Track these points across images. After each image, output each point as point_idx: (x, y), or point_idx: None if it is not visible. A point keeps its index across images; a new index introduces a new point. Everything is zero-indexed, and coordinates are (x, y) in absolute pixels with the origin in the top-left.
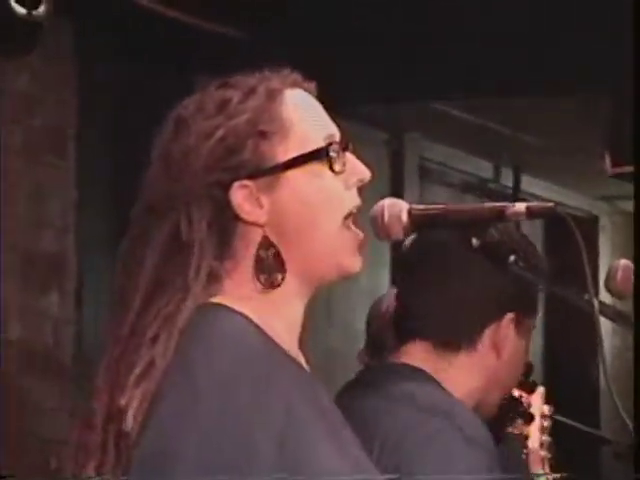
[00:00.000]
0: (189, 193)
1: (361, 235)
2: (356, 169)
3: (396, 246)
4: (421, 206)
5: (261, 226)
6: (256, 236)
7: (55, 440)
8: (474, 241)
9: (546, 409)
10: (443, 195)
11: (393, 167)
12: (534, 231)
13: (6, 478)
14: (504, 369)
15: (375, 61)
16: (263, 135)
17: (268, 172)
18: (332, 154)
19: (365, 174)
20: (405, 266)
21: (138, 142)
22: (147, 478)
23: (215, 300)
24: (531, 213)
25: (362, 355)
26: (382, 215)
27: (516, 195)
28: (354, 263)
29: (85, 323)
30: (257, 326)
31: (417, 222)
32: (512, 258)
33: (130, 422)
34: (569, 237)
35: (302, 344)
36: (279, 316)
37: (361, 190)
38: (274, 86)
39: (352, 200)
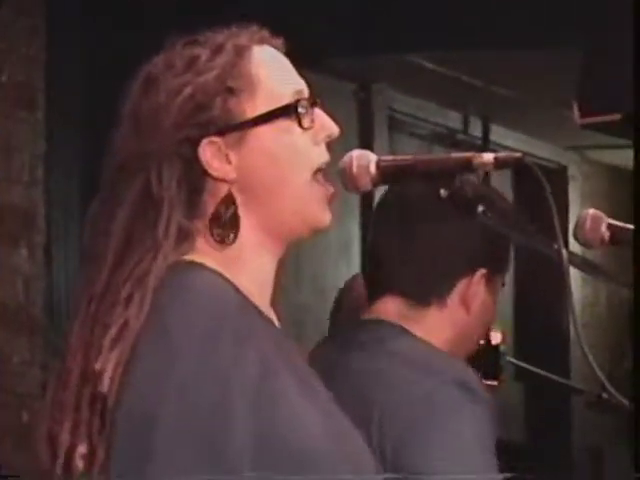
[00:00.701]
0: (159, 151)
1: (331, 189)
2: (325, 125)
3: (365, 199)
4: (389, 157)
5: (230, 183)
6: (217, 196)
7: (26, 394)
8: (442, 192)
9: None
10: (412, 146)
11: (362, 118)
12: (504, 183)
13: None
14: (473, 324)
15: (344, 12)
16: (231, 91)
17: (236, 128)
18: (300, 110)
19: (333, 130)
20: (376, 220)
21: (107, 96)
22: (129, 441)
23: (187, 258)
24: (499, 163)
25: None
26: (350, 166)
27: (485, 146)
28: (324, 217)
29: (55, 277)
30: (229, 282)
31: (385, 173)
32: (480, 208)
33: (106, 385)
34: (538, 188)
35: (274, 301)
36: (250, 273)
37: (329, 146)
38: (242, 43)
39: (321, 156)
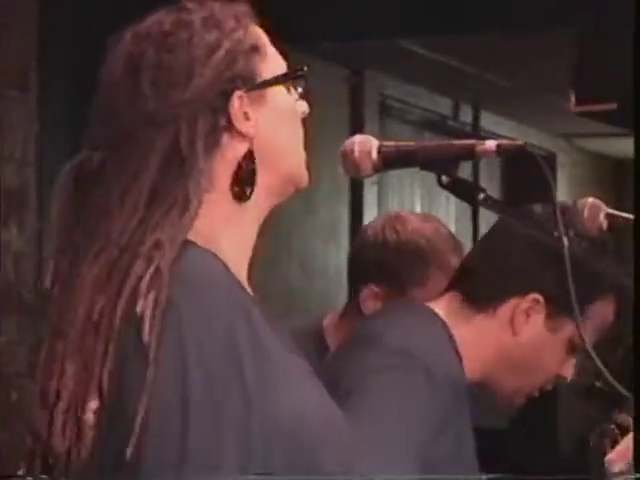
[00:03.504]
0: (194, 102)
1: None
2: (302, 102)
3: (355, 181)
4: (391, 143)
5: (248, 139)
6: (235, 153)
7: (14, 374)
8: (444, 178)
9: None
10: (403, 132)
11: (353, 103)
12: (492, 169)
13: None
14: (520, 353)
15: None
16: (255, 50)
17: (259, 86)
18: (299, 80)
19: (306, 107)
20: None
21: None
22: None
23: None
24: (501, 151)
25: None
26: (352, 151)
27: (475, 132)
28: (306, 178)
29: (45, 257)
30: (221, 262)
31: (387, 159)
32: (482, 195)
33: (147, 332)
34: (528, 175)
35: (250, 270)
36: (235, 238)
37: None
38: (246, 11)
39: (302, 131)
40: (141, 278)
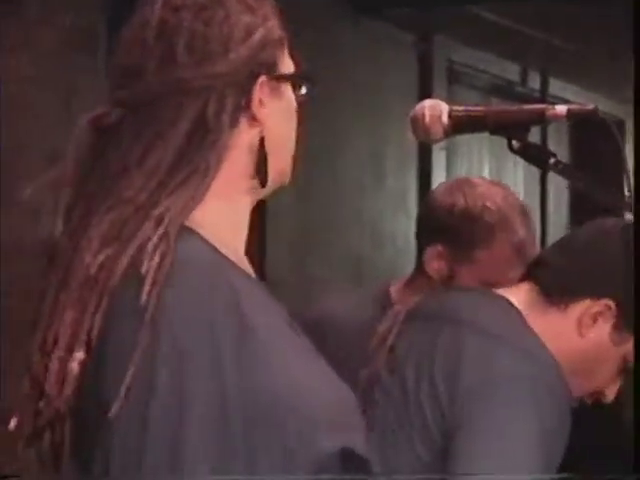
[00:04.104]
0: (228, 75)
1: None
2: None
3: (423, 150)
4: (461, 107)
5: (260, 125)
6: (249, 137)
7: None
8: (514, 143)
9: None
10: (471, 98)
11: (421, 69)
12: (560, 135)
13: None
14: (581, 356)
15: None
16: (281, 42)
17: (278, 77)
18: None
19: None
20: None
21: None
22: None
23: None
24: (571, 115)
25: None
26: (423, 116)
27: (543, 98)
28: (289, 178)
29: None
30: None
31: (457, 124)
32: (552, 160)
33: (146, 292)
34: (595, 141)
35: (248, 251)
36: (230, 219)
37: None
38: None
39: None
40: (148, 239)
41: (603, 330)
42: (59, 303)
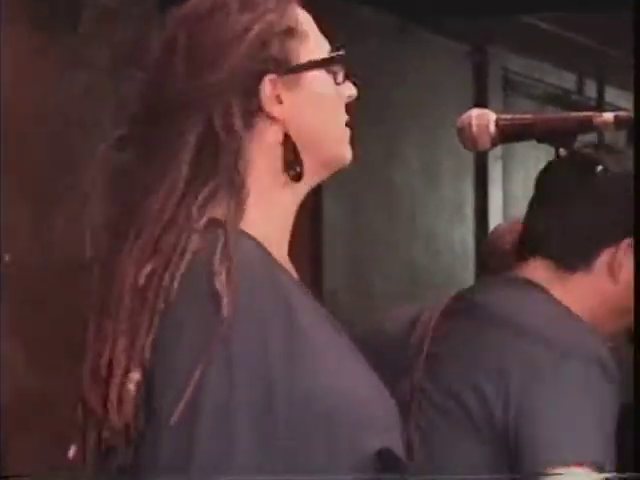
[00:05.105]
0: (225, 83)
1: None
2: (348, 85)
3: (479, 160)
4: (508, 116)
5: (279, 123)
6: (276, 136)
7: None
8: (561, 151)
9: None
10: (526, 107)
11: (477, 79)
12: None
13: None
14: (621, 296)
15: None
16: (291, 32)
17: (293, 70)
18: (338, 65)
19: (354, 91)
20: (535, 190)
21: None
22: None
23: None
24: (619, 122)
25: None
26: (470, 125)
27: (600, 107)
28: (347, 157)
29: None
30: (266, 251)
31: (504, 132)
32: (599, 168)
33: (225, 307)
34: None
35: (290, 252)
36: (273, 219)
37: (349, 108)
38: None
39: (344, 115)
40: (211, 255)
41: (629, 262)
42: (106, 331)
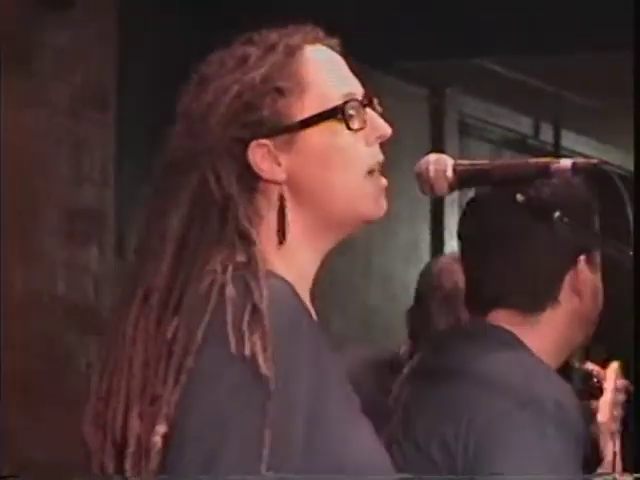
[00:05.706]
0: (210, 150)
1: (384, 182)
2: (376, 125)
3: (435, 200)
4: (466, 162)
5: (279, 184)
6: (273, 195)
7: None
8: (519, 197)
9: (620, 383)
10: (483, 151)
11: (433, 122)
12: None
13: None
14: (587, 307)
15: (417, 16)
16: (280, 92)
17: (285, 130)
18: (350, 112)
19: (385, 130)
20: (466, 238)
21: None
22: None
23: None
24: (576, 169)
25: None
26: (427, 170)
27: (556, 151)
28: (378, 210)
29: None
30: (294, 291)
31: (462, 178)
32: (557, 214)
33: (263, 366)
34: (609, 193)
35: (312, 297)
36: (297, 270)
37: (383, 145)
38: (294, 42)
39: (374, 156)
40: (240, 318)
41: (588, 275)
42: (124, 383)
